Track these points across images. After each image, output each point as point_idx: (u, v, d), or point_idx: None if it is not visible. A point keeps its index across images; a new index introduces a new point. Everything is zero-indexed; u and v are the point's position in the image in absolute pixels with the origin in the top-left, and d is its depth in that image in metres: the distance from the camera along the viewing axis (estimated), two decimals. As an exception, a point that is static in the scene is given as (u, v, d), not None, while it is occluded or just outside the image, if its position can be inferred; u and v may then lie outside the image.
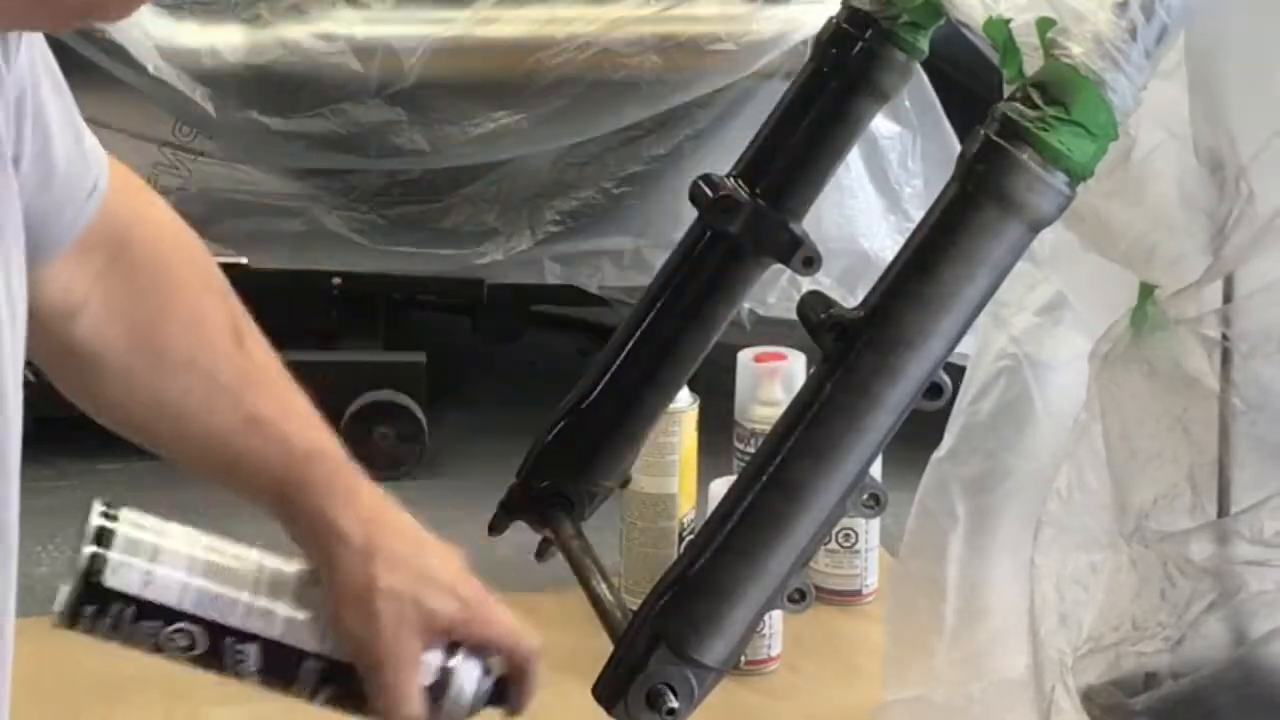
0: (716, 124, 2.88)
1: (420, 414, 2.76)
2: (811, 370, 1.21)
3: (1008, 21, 1.17)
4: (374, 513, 1.15)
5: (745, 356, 2.00)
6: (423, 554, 1.16)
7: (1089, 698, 1.22)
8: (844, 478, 1.16)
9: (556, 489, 1.48)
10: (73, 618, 1.12)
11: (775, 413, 1.34)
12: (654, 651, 1.17)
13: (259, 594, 1.15)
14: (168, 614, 1.13)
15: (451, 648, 1.17)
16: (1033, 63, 1.15)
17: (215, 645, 1.15)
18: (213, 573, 1.14)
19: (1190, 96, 1.15)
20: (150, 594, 1.12)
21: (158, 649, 1.14)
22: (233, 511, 2.53)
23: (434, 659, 1.16)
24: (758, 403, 1.96)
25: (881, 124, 2.73)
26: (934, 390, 1.16)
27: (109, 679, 1.90)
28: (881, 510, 1.20)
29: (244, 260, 2.89)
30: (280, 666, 1.16)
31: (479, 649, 1.18)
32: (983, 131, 1.13)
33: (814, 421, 1.16)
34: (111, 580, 1.12)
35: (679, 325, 1.44)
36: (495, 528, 1.52)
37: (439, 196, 2.94)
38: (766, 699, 1.81)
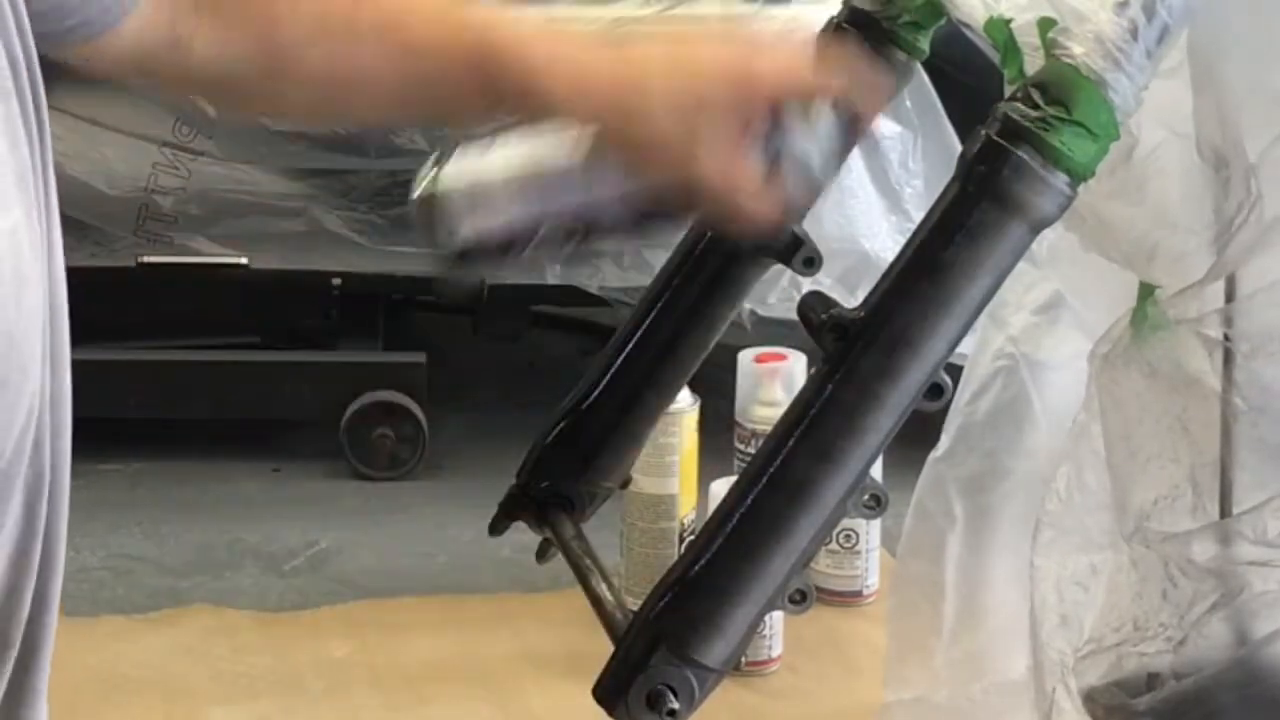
0: (717, 124, 2.88)
1: (420, 414, 2.76)
2: (812, 371, 1.20)
3: (1008, 21, 1.17)
4: (579, 48, 1.08)
5: (746, 357, 2.00)
6: (651, 55, 1.07)
7: (1091, 699, 1.21)
8: (845, 478, 1.16)
9: (557, 489, 1.48)
10: (458, 274, 1.20)
11: (776, 413, 1.33)
12: (654, 652, 1.17)
13: (579, 170, 1.14)
14: (526, 233, 1.16)
15: (766, 113, 1.07)
16: (1033, 63, 1.15)
17: (580, 231, 1.16)
18: (537, 176, 1.16)
19: (1194, 95, 1.15)
20: (500, 231, 1.16)
21: (536, 253, 1.17)
22: (233, 511, 2.52)
23: (750, 135, 1.07)
24: (758, 403, 1.96)
25: (882, 124, 2.73)
26: (935, 390, 1.16)
27: (109, 679, 1.90)
28: (882, 511, 1.20)
29: (244, 260, 2.89)
30: (640, 213, 1.16)
31: (792, 99, 1.07)
32: (983, 132, 1.13)
33: (815, 422, 1.16)
34: (462, 242, 1.17)
35: (679, 325, 1.44)
36: (495, 528, 1.52)
37: (439, 197, 2.93)
38: (766, 699, 1.82)
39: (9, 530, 0.90)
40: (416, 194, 1.18)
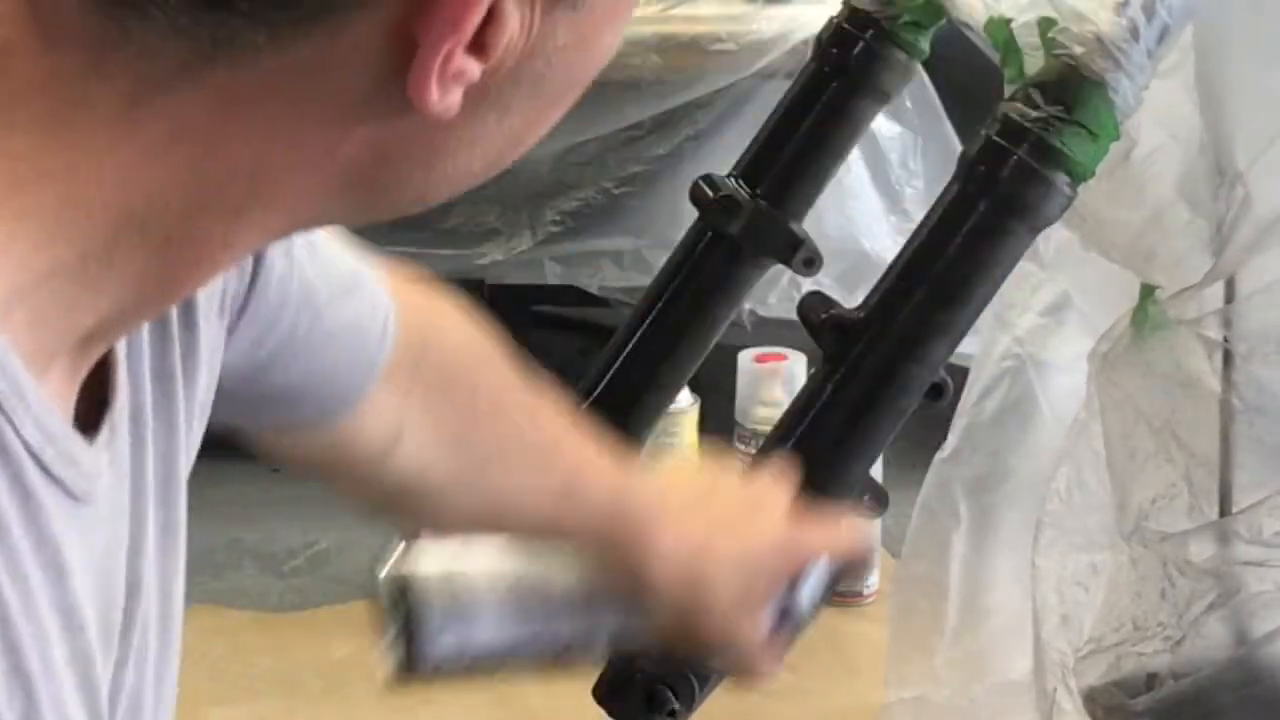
0: (717, 124, 2.88)
1: (420, 414, 2.76)
2: (812, 371, 1.21)
3: (1009, 21, 1.17)
4: (688, 538, 1.09)
5: (746, 357, 2.00)
6: (744, 541, 1.09)
7: (1091, 699, 1.21)
8: (845, 479, 1.16)
9: (557, 489, 1.48)
10: (408, 682, 1.09)
11: (776, 413, 1.34)
12: (654, 652, 1.17)
13: (577, 604, 1.10)
14: (497, 655, 1.09)
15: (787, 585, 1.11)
16: (1034, 63, 1.15)
17: (552, 660, 1.11)
18: (526, 599, 1.09)
19: (1199, 97, 1.15)
20: (475, 647, 1.08)
21: (499, 676, 1.12)
22: (233, 511, 2.52)
23: (770, 607, 1.10)
24: (758, 403, 1.96)
25: (882, 124, 2.72)
26: (935, 391, 1.16)
27: (109, 679, 1.90)
28: (882, 511, 1.20)
29: (244, 260, 2.89)
30: (617, 656, 1.14)
31: (812, 562, 1.11)
32: (984, 132, 1.13)
33: (815, 422, 1.16)
34: (432, 653, 1.07)
35: (679, 326, 1.44)
36: (495, 528, 1.52)
37: (439, 197, 2.93)
38: (766, 699, 1.81)
39: None
40: (385, 571, 1.07)
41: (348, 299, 0.96)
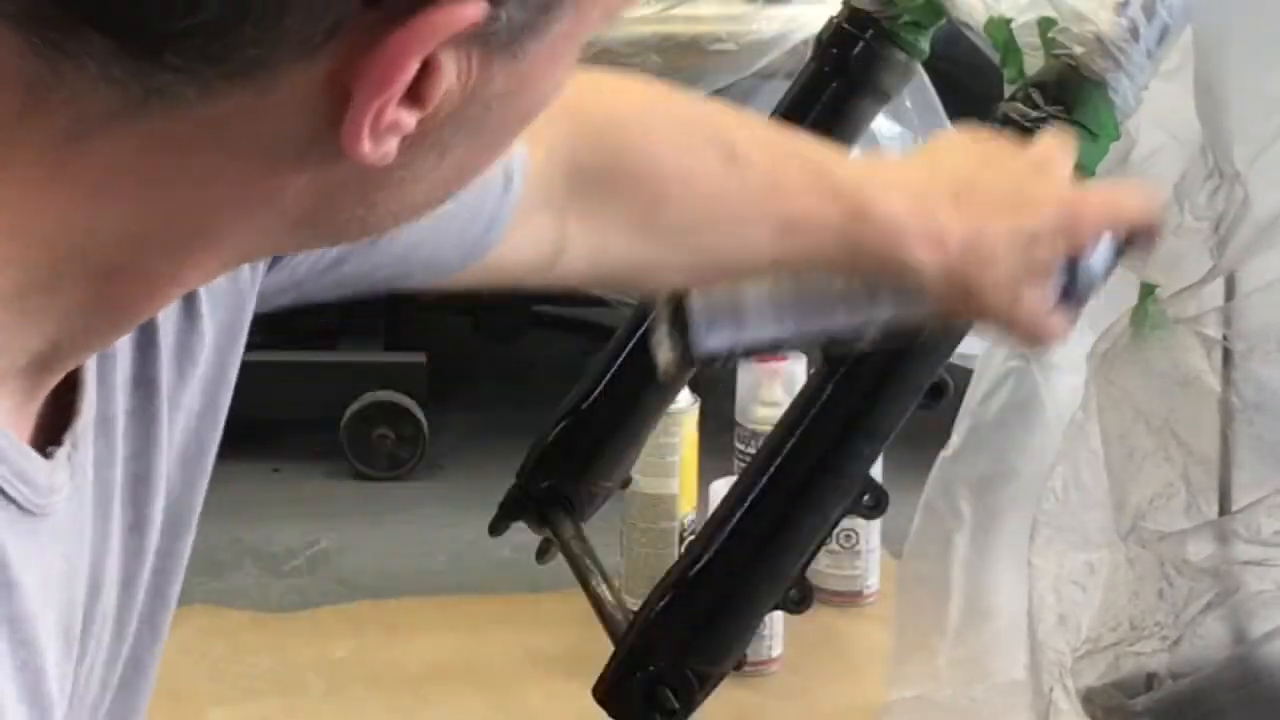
0: (717, 124, 2.88)
1: (420, 415, 2.76)
2: (812, 371, 1.21)
3: (1009, 21, 1.17)
4: (949, 237, 1.03)
5: (745, 357, 2.00)
6: (1020, 217, 1.04)
7: (1089, 699, 1.21)
8: (845, 478, 1.16)
9: (557, 490, 1.48)
10: (682, 373, 1.08)
11: (776, 413, 1.34)
12: (654, 652, 1.17)
13: (847, 298, 1.08)
14: (775, 344, 1.09)
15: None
16: (1034, 63, 1.15)
17: (828, 343, 1.11)
18: (800, 294, 1.08)
19: (1196, 98, 1.15)
20: (745, 340, 1.08)
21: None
22: (233, 511, 2.52)
23: (1055, 278, 1.06)
24: (758, 403, 1.96)
25: (882, 124, 2.72)
26: (935, 391, 1.16)
27: (109, 679, 1.89)
28: (882, 511, 1.20)
29: (244, 260, 2.89)
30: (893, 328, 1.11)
31: (1099, 233, 1.07)
32: (983, 132, 1.13)
33: (815, 422, 1.17)
34: (709, 350, 1.07)
35: (679, 326, 1.44)
36: (496, 528, 1.52)
37: (439, 197, 2.93)
38: (766, 699, 1.82)
39: None
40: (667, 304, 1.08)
41: None
